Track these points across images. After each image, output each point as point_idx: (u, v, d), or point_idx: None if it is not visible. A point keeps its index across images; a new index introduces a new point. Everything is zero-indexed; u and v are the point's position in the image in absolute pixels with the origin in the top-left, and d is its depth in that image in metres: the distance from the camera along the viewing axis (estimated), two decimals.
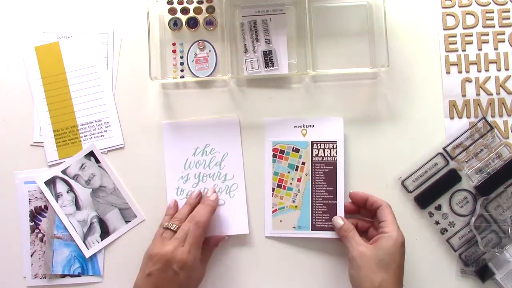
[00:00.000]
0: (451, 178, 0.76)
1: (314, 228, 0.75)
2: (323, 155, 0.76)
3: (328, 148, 0.76)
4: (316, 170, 0.76)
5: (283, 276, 0.76)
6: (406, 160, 0.76)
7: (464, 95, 0.77)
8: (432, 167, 0.76)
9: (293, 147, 0.77)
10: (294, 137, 0.77)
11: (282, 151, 0.77)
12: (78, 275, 0.76)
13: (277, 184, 0.76)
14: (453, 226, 0.76)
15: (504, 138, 0.76)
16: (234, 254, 0.77)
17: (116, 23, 0.79)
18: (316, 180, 0.76)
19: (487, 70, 0.77)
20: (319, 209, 0.75)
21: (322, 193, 0.75)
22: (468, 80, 0.77)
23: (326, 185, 0.75)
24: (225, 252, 0.77)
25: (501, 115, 0.77)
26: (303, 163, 0.76)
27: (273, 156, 0.77)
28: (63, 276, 0.77)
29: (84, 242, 0.77)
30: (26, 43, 0.79)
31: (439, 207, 0.76)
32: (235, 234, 0.75)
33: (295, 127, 0.77)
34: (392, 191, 0.76)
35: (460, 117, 0.77)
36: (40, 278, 0.77)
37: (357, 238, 0.70)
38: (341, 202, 0.75)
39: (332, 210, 0.75)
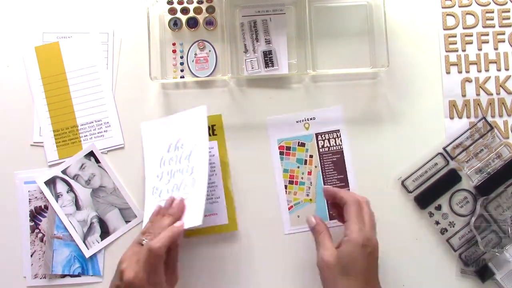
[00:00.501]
0: (451, 178, 0.76)
1: (332, 217, 0.75)
2: (329, 145, 0.76)
3: (333, 137, 0.76)
4: (325, 160, 0.76)
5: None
6: (406, 160, 0.76)
7: (464, 95, 0.77)
8: (432, 167, 0.76)
9: (299, 142, 0.77)
10: (297, 132, 0.77)
11: (288, 148, 0.77)
12: (78, 275, 0.76)
13: (289, 180, 0.76)
14: (453, 226, 0.76)
15: (504, 138, 0.76)
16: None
17: (116, 23, 0.79)
18: (326, 171, 0.76)
19: (487, 70, 0.77)
20: None
21: (334, 182, 0.76)
22: (468, 80, 0.77)
23: (336, 174, 0.76)
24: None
25: (501, 115, 0.77)
26: (311, 156, 0.76)
27: (280, 154, 0.77)
28: (63, 276, 0.77)
29: (84, 242, 0.77)
30: (26, 43, 0.79)
31: (439, 207, 0.76)
32: (188, 227, 0.67)
33: (297, 122, 0.77)
34: (392, 191, 0.76)
35: (460, 117, 0.77)
36: (40, 278, 0.77)
37: (326, 242, 0.65)
38: (353, 188, 0.75)
39: None
